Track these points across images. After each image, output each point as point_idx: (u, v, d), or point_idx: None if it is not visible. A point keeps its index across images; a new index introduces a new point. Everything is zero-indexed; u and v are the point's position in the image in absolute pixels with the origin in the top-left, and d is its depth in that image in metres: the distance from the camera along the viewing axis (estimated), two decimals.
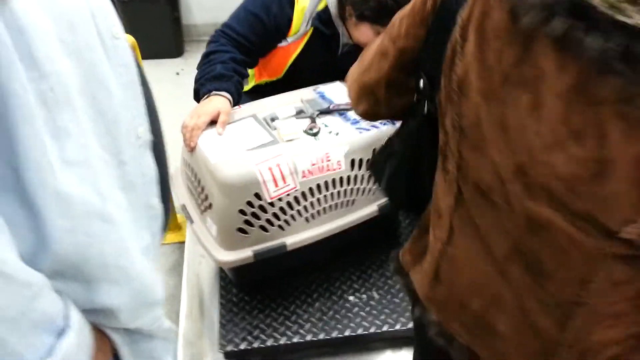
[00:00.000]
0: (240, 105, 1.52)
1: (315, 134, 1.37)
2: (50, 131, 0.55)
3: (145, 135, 0.72)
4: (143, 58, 3.46)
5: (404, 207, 0.99)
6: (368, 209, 1.47)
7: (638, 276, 0.55)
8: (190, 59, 3.62)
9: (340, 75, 1.68)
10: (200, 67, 1.56)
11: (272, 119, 1.43)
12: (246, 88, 1.74)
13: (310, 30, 1.60)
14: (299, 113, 1.46)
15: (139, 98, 0.71)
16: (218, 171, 1.28)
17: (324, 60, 1.65)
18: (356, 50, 1.63)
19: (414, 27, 0.74)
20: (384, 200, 1.50)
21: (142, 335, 0.76)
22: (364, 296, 1.57)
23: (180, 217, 2.18)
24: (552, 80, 0.52)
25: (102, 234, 0.61)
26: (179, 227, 2.19)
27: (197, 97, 1.52)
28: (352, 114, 1.46)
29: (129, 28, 2.84)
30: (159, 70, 3.42)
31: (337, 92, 1.57)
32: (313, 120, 1.42)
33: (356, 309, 1.53)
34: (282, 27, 1.58)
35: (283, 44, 1.63)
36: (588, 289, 0.58)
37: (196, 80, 1.54)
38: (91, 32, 0.61)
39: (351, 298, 1.56)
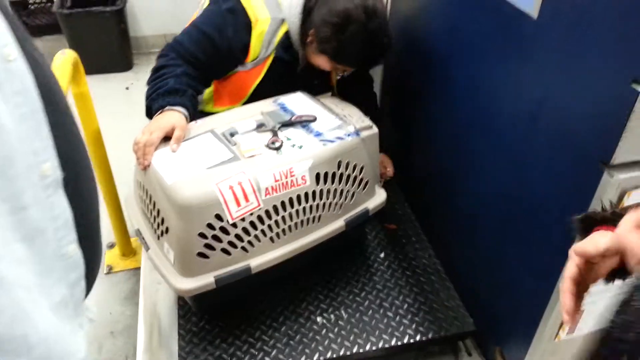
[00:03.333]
0: (197, 121, 1.42)
1: (277, 148, 1.29)
2: None
3: (54, 172, 0.62)
4: (90, 73, 3.29)
5: None
6: (335, 225, 1.41)
7: None
8: (140, 72, 3.48)
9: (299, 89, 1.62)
10: (150, 82, 1.46)
11: (232, 134, 1.34)
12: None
13: (272, 56, 1.54)
14: (260, 127, 1.37)
15: (43, 129, 0.60)
16: (174, 193, 1.18)
17: (285, 81, 1.59)
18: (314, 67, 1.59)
19: None
20: (350, 214, 1.44)
21: None
22: (332, 316, 1.50)
23: (134, 241, 2.06)
24: None
25: None
26: (133, 252, 2.06)
27: (150, 113, 1.41)
28: (315, 126, 1.39)
29: (74, 42, 2.74)
30: (107, 86, 3.29)
31: (299, 103, 1.50)
32: (275, 134, 1.34)
33: (324, 330, 1.46)
34: (236, 52, 1.51)
35: (242, 68, 1.55)
36: None
37: (147, 96, 1.43)
38: None
39: (319, 319, 1.49)
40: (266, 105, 1.49)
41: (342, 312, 1.51)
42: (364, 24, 1.42)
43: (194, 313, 1.50)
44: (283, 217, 1.28)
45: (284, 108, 1.47)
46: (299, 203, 1.29)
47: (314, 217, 1.35)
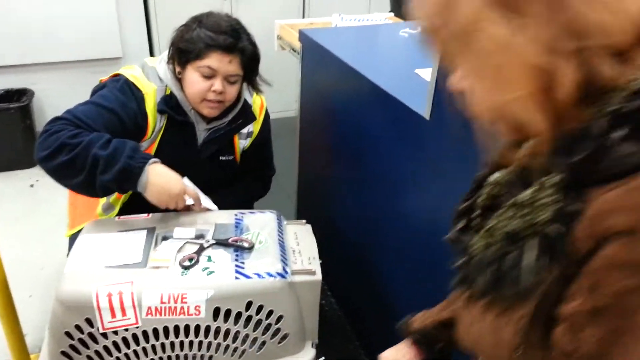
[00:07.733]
0: (150, 215, 1.39)
1: (186, 267, 1.21)
2: None
3: None
4: None
5: None
6: None
7: None
8: None
9: (201, 166, 1.60)
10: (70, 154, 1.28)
11: (164, 238, 1.29)
12: (113, 214, 1.60)
13: (164, 123, 1.53)
14: (198, 237, 1.30)
15: None
16: (60, 282, 1.15)
17: (182, 153, 1.56)
18: (217, 139, 1.61)
19: None
20: None
21: None
22: None
23: (35, 358, 1.75)
24: None
25: None
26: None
27: (122, 181, 1.29)
28: (246, 254, 1.28)
29: None
30: (11, 183, 3.13)
31: (258, 223, 1.39)
32: (200, 250, 1.26)
33: None
34: (141, 125, 1.49)
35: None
36: None
37: (95, 166, 1.27)
38: None
39: None
40: (225, 216, 1.41)
41: None
42: (198, 17, 1.51)
43: None
44: (163, 345, 1.18)
45: (237, 224, 1.39)
46: (187, 335, 1.18)
47: (202, 356, 1.22)
